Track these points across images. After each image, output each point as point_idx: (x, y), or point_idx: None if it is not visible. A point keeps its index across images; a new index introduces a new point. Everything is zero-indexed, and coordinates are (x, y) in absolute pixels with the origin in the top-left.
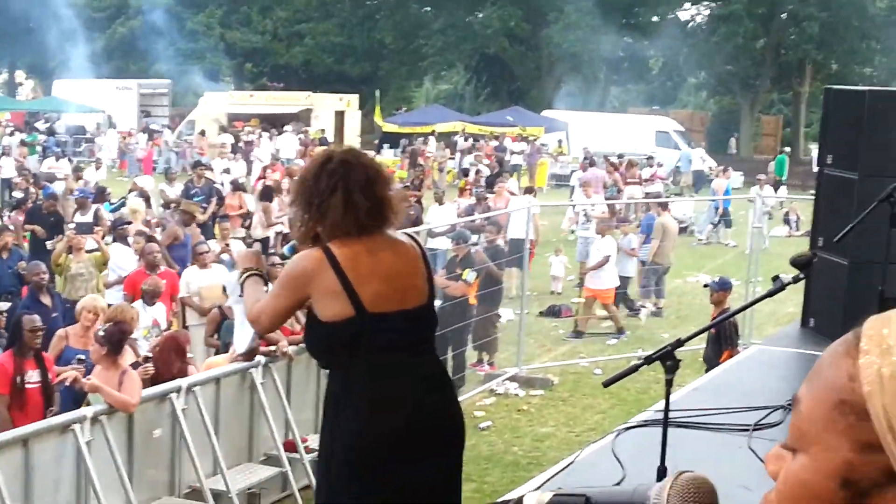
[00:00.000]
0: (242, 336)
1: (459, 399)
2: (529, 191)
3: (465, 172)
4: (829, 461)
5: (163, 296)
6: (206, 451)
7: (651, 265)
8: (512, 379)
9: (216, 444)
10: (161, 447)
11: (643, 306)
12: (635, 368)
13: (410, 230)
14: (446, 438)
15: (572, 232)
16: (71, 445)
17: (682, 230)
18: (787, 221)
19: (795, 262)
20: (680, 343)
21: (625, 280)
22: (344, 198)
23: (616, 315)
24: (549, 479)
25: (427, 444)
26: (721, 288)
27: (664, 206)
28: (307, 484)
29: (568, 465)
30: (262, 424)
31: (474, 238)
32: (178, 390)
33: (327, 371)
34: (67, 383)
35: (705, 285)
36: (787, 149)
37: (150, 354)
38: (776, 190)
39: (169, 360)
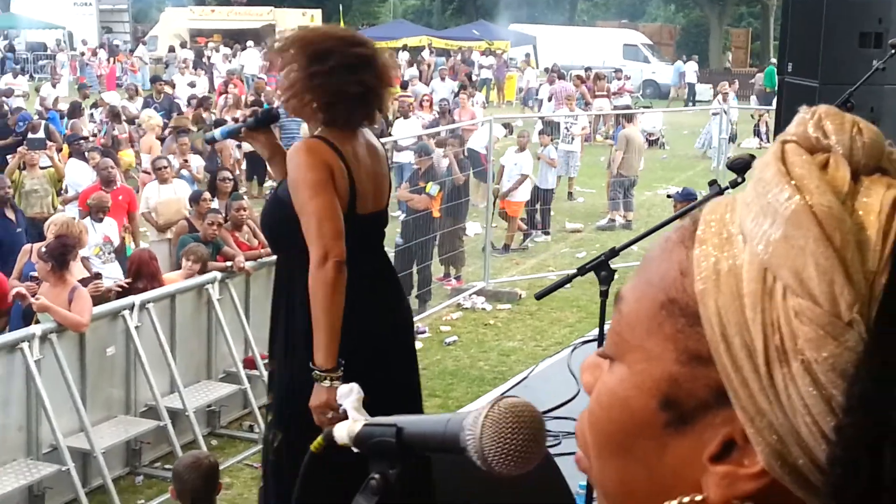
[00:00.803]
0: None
1: (425, 314)
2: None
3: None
4: (650, 374)
5: (118, 212)
6: (162, 370)
7: (617, 177)
8: (479, 293)
9: (172, 361)
10: (115, 365)
11: (612, 220)
12: (568, 280)
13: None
14: (406, 334)
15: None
16: (20, 364)
17: (652, 143)
18: (756, 133)
19: (732, 166)
20: (615, 252)
21: (547, 193)
22: (339, 84)
23: (516, 230)
24: (502, 395)
25: (392, 340)
26: (684, 199)
27: (629, 119)
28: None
29: (522, 380)
30: (220, 342)
31: (438, 151)
32: (130, 307)
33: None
34: (11, 300)
35: (668, 196)
36: (774, 60)
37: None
38: (770, 102)
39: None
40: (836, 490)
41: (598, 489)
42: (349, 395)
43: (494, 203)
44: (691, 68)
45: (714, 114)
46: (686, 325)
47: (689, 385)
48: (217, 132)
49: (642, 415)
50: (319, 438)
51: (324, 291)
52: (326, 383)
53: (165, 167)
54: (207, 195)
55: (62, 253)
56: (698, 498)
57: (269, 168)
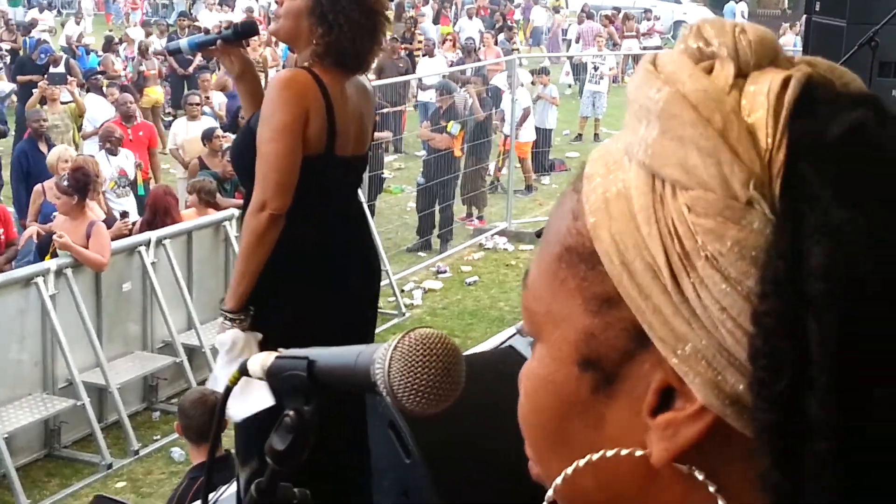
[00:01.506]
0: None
1: (447, 254)
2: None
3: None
4: (565, 339)
5: (138, 147)
6: (178, 306)
7: None
8: (501, 233)
9: (189, 298)
10: (131, 301)
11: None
12: None
13: (400, 79)
14: (374, 278)
15: (569, 86)
16: (35, 299)
17: None
18: None
19: None
20: None
21: (547, 132)
22: (338, 19)
23: (529, 172)
24: (512, 336)
25: (359, 282)
26: None
27: (636, 61)
28: None
29: None
30: None
31: (461, 90)
32: (147, 243)
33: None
34: (25, 238)
35: None
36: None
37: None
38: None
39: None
40: (761, 385)
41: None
42: (227, 345)
43: (505, 143)
44: (740, 10)
45: None
46: (587, 270)
47: (605, 335)
48: (184, 42)
49: (567, 388)
50: (235, 371)
51: (250, 238)
52: (228, 325)
53: (196, 104)
54: (220, 132)
55: (85, 183)
56: (638, 452)
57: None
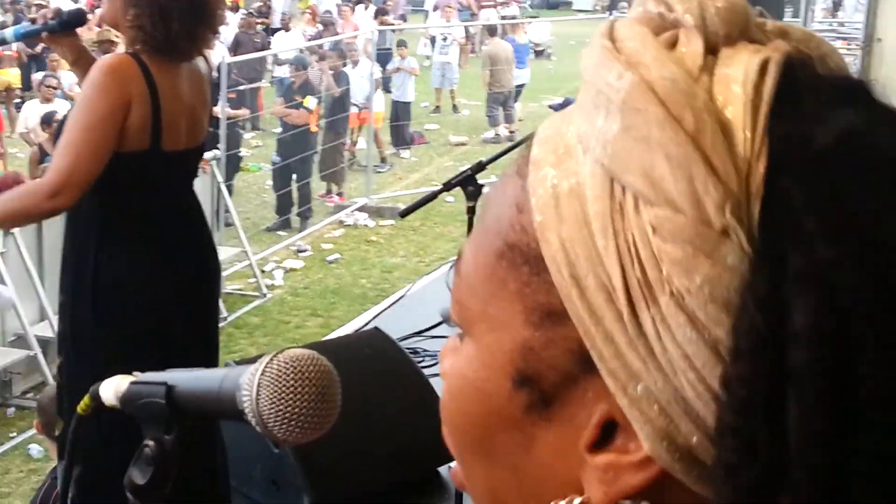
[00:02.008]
0: None
1: (307, 232)
2: (382, 13)
3: None
4: (499, 347)
5: None
6: (30, 297)
7: (491, 92)
8: (361, 209)
9: (40, 288)
10: None
11: (497, 134)
12: (433, 196)
13: (256, 55)
14: (210, 280)
15: (427, 57)
16: None
17: (539, 54)
18: None
19: None
20: (482, 166)
21: (405, 105)
22: (171, 5)
23: (381, 145)
24: (379, 314)
25: (192, 285)
26: (563, 108)
27: (492, 34)
28: None
29: (398, 299)
30: None
31: (318, 66)
32: None
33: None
34: None
35: (549, 107)
36: None
37: None
38: None
39: None
40: (728, 469)
41: (474, 501)
42: None
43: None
44: None
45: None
46: (531, 274)
47: (546, 352)
48: (9, 32)
49: (497, 401)
50: (86, 398)
51: (26, 215)
52: None
53: (52, 86)
54: (61, 116)
55: None
56: (577, 501)
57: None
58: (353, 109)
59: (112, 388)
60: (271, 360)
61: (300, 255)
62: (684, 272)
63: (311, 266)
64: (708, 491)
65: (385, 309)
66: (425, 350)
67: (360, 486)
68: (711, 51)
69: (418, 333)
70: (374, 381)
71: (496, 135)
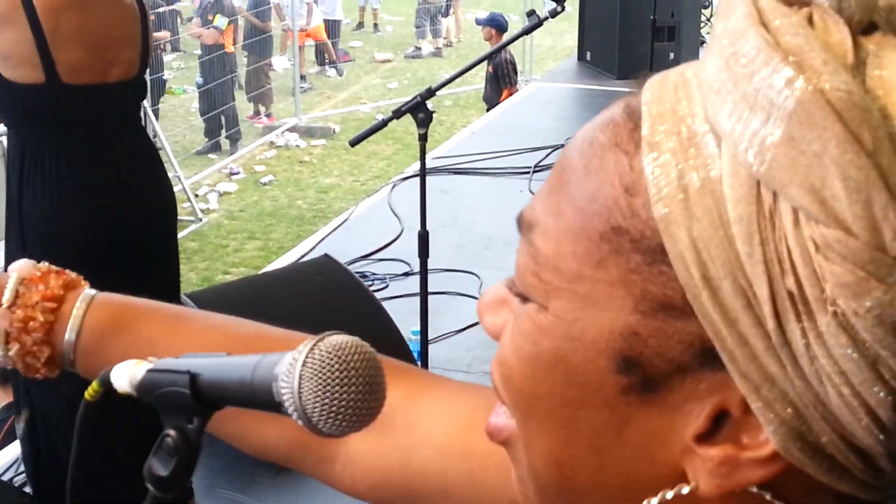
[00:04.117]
0: None
1: (238, 154)
2: None
3: None
4: (593, 325)
5: None
6: None
7: (423, 4)
8: (292, 130)
9: None
10: None
11: (418, 48)
12: (384, 124)
13: None
14: (157, 220)
15: None
16: None
17: None
18: None
19: None
20: (431, 93)
21: (335, 23)
22: None
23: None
24: (323, 238)
25: (136, 228)
26: (490, 24)
27: None
28: None
29: (342, 223)
30: None
31: None
32: None
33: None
34: None
35: (476, 22)
36: None
37: None
38: None
39: None
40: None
41: (519, 464)
42: None
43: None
44: None
45: None
46: (644, 264)
47: (655, 341)
48: None
49: (584, 375)
50: (95, 384)
51: None
52: None
53: None
54: None
55: None
56: (685, 490)
57: None
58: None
59: (126, 375)
60: (312, 348)
61: (233, 177)
62: (852, 295)
63: (245, 189)
64: (835, 480)
65: (329, 234)
66: (374, 274)
67: None
68: (855, 41)
69: (366, 257)
70: (328, 310)
71: (417, 48)
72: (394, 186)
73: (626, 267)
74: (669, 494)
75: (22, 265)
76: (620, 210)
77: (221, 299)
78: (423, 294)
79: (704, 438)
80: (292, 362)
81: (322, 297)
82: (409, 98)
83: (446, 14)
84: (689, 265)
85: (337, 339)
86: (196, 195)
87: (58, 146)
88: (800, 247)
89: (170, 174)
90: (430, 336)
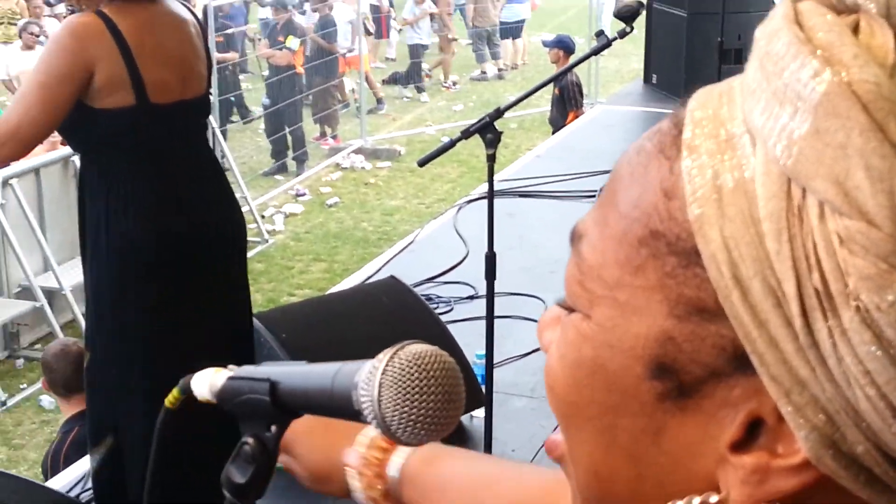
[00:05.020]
0: None
1: (304, 176)
2: None
3: None
4: (630, 331)
5: None
6: (33, 248)
7: (473, 28)
8: (357, 151)
9: (43, 239)
10: None
11: (483, 71)
12: (452, 144)
13: None
14: (227, 239)
15: None
16: None
17: None
18: None
19: (620, 14)
20: (500, 113)
21: (419, 48)
22: None
23: (374, 86)
24: (389, 261)
25: (208, 246)
26: (557, 46)
27: None
28: None
29: (408, 245)
30: None
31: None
32: None
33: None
34: None
35: (543, 43)
36: None
37: None
38: None
39: None
40: None
41: (571, 479)
42: None
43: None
44: None
45: None
46: (679, 267)
47: (690, 346)
48: None
49: (623, 381)
50: (175, 391)
51: None
52: None
53: (34, 33)
54: None
55: None
56: (714, 499)
57: None
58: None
59: (206, 383)
60: (392, 357)
61: (299, 199)
62: (875, 288)
63: (311, 210)
64: (874, 496)
65: (394, 256)
66: (439, 296)
67: None
68: None
69: (432, 279)
70: (394, 331)
71: (483, 72)
72: (459, 209)
73: (662, 271)
74: (696, 501)
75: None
76: (659, 214)
77: (288, 319)
78: (489, 317)
79: (739, 447)
80: (372, 370)
81: (388, 318)
82: (476, 119)
83: (505, 37)
84: (721, 265)
85: (417, 348)
86: (262, 216)
87: (141, 165)
88: (825, 241)
89: (237, 195)
90: (495, 360)
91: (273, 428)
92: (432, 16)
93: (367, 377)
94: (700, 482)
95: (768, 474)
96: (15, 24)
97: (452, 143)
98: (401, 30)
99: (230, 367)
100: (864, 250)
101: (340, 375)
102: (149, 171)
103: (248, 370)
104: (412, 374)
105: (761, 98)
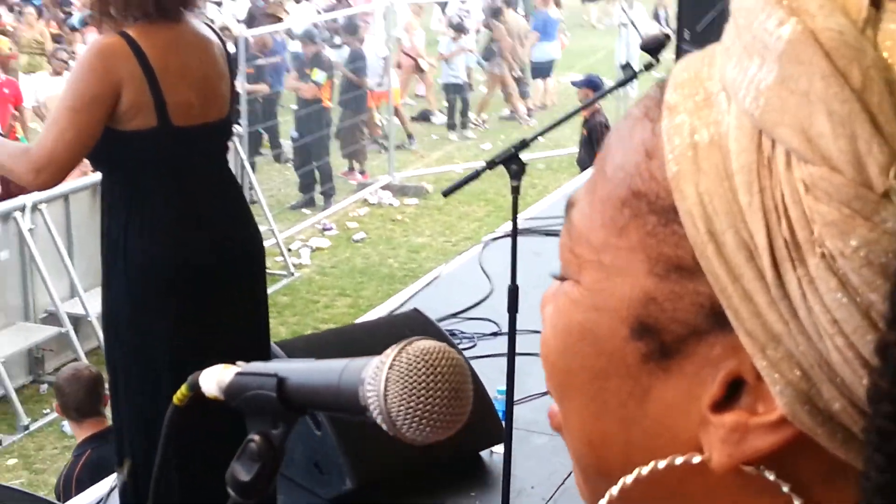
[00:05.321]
0: None
1: (331, 210)
2: None
3: None
4: (613, 293)
5: (1, 106)
6: (60, 273)
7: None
8: (385, 188)
9: (70, 265)
10: (9, 270)
11: (512, 111)
12: (476, 174)
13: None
14: (247, 257)
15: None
16: None
17: None
18: (657, 17)
19: (646, 46)
20: (525, 144)
21: (457, 87)
22: None
23: (405, 121)
24: (413, 295)
25: (227, 267)
26: (587, 86)
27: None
28: None
29: (433, 280)
30: None
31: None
32: (21, 209)
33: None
34: None
35: (572, 83)
36: None
37: None
38: None
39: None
40: (882, 436)
41: (570, 450)
42: None
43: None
44: None
45: None
46: (658, 225)
47: (671, 305)
48: (74, 20)
49: (609, 344)
50: (183, 388)
51: (13, 175)
52: None
53: (63, 59)
54: None
55: None
56: (696, 459)
57: None
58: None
59: (214, 379)
60: (399, 352)
61: (326, 233)
62: (839, 234)
63: (338, 245)
64: (852, 456)
65: (419, 291)
66: (462, 332)
67: (402, 467)
68: (874, 2)
69: (455, 315)
70: None
71: (511, 112)
72: (485, 246)
73: (643, 230)
74: (679, 460)
75: None
76: (640, 174)
77: (310, 348)
78: (511, 353)
79: (720, 407)
80: (379, 365)
81: None
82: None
83: (535, 76)
84: (696, 220)
85: (425, 344)
86: (289, 250)
87: (162, 182)
88: (791, 189)
89: (263, 228)
90: (516, 396)
91: (280, 425)
92: (496, 49)
93: (374, 372)
94: (685, 445)
95: (747, 432)
96: (39, 55)
97: (477, 174)
98: (431, 65)
99: (238, 363)
100: (827, 196)
101: (348, 371)
102: (169, 189)
103: (256, 366)
104: (419, 370)
105: (734, 53)
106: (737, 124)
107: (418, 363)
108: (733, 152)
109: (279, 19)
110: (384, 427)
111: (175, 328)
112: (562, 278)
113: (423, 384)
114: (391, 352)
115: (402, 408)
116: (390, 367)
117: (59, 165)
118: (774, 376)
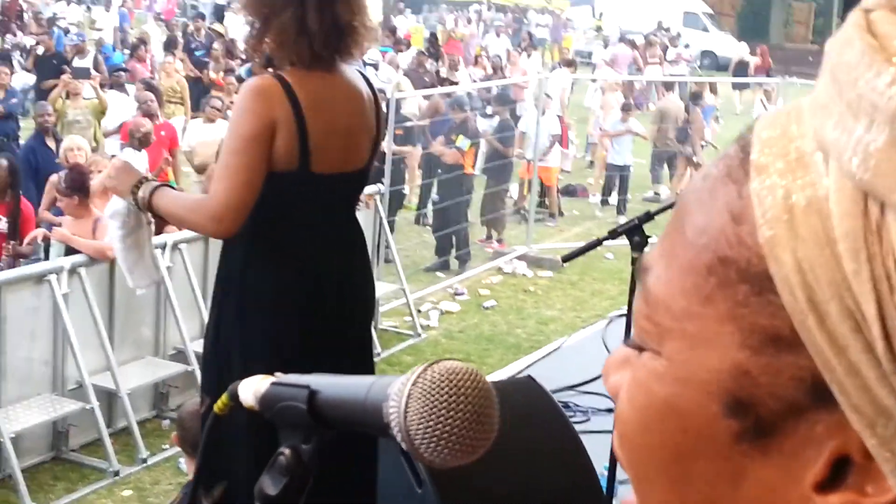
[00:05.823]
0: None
1: (464, 276)
2: (569, 64)
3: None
4: (702, 365)
5: (157, 147)
6: (192, 312)
7: (656, 150)
8: (520, 258)
9: (203, 305)
10: (144, 305)
11: (657, 193)
12: (598, 242)
13: (423, 92)
14: (360, 306)
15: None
16: (47, 297)
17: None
18: None
19: None
20: (650, 216)
21: (619, 168)
22: (296, 14)
23: (555, 200)
24: (533, 363)
25: (342, 309)
26: None
27: (669, 88)
28: None
29: (553, 350)
30: None
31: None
32: (163, 247)
33: None
34: (39, 240)
35: None
36: None
37: None
38: None
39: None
40: None
41: None
42: (117, 210)
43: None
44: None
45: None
46: (751, 294)
47: (766, 379)
48: (242, 70)
49: (696, 421)
50: (224, 397)
51: (192, 226)
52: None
53: (216, 107)
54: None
55: (81, 182)
56: None
57: None
58: (526, 159)
59: (252, 389)
60: (425, 369)
61: (457, 297)
62: None
63: (468, 310)
64: None
65: (539, 359)
66: (577, 405)
67: None
68: None
69: (572, 387)
70: (522, 430)
71: (655, 194)
72: (610, 321)
73: (733, 300)
74: None
75: None
76: (727, 239)
77: None
78: None
79: (825, 488)
80: (405, 381)
81: (518, 416)
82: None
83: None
84: (795, 289)
85: (452, 364)
86: (419, 311)
87: (288, 227)
88: None
89: (395, 287)
90: (620, 477)
91: (312, 440)
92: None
93: (399, 388)
94: None
95: None
96: (176, 103)
97: (599, 242)
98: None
99: (277, 374)
100: None
101: (375, 387)
102: (295, 231)
103: (292, 377)
104: (442, 389)
105: (834, 111)
106: (838, 187)
107: (442, 382)
108: (835, 216)
109: (454, 83)
110: (403, 446)
111: (273, 358)
112: (638, 348)
113: (445, 403)
114: (417, 368)
115: (420, 426)
116: (413, 384)
117: (237, 210)
118: (886, 455)
